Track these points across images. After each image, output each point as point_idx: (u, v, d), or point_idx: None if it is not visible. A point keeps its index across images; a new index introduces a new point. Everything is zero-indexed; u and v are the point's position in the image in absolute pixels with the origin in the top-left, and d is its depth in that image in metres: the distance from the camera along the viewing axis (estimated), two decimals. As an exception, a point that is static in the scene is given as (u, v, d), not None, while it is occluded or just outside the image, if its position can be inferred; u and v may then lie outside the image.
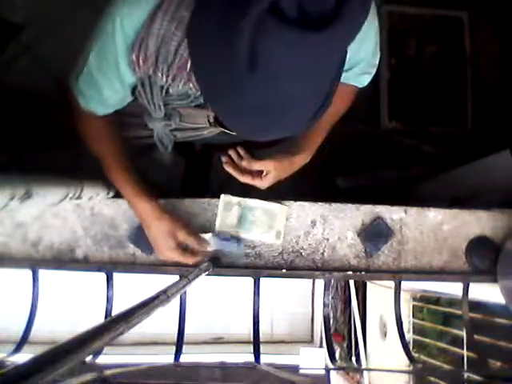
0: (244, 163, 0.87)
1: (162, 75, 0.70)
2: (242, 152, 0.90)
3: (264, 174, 0.89)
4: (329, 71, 0.54)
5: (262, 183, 0.89)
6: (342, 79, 0.84)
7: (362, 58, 0.80)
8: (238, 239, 0.99)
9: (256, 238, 1.00)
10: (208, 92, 0.60)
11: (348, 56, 0.77)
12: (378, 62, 0.85)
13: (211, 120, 0.90)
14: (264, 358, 0.98)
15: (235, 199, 0.99)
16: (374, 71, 0.87)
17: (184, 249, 0.90)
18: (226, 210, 0.99)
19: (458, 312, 1.79)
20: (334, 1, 0.48)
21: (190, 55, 0.61)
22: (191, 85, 0.73)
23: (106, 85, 0.75)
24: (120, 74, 0.72)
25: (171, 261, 0.92)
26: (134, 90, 0.78)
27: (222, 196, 0.99)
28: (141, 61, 0.67)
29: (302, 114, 0.57)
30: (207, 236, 0.95)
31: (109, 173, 0.88)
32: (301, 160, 0.90)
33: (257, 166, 0.87)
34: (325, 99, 0.57)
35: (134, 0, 0.64)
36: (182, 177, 1.59)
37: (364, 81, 0.88)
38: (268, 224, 0.99)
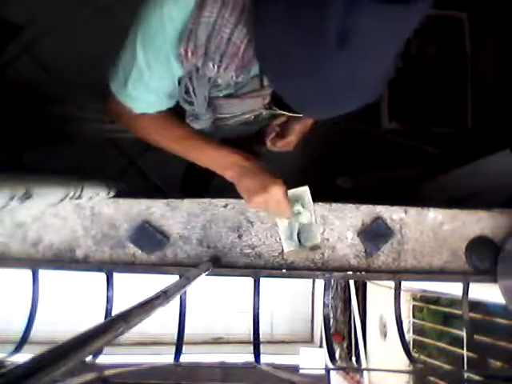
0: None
1: (214, 65, 0.66)
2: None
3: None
4: (403, 41, 0.54)
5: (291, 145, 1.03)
6: None
7: None
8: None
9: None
10: (279, 75, 0.58)
11: None
12: None
13: (265, 103, 0.83)
14: (264, 358, 0.98)
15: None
16: None
17: None
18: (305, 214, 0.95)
19: (458, 312, 1.79)
20: None
21: (257, 42, 0.59)
22: (243, 72, 0.69)
23: (156, 81, 0.71)
24: (171, 69, 0.68)
25: (257, 208, 0.87)
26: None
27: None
28: (189, 53, 0.64)
29: (377, 86, 0.57)
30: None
31: (188, 155, 0.84)
32: None
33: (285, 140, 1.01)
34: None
35: None
36: (183, 176, 1.59)
37: None
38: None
